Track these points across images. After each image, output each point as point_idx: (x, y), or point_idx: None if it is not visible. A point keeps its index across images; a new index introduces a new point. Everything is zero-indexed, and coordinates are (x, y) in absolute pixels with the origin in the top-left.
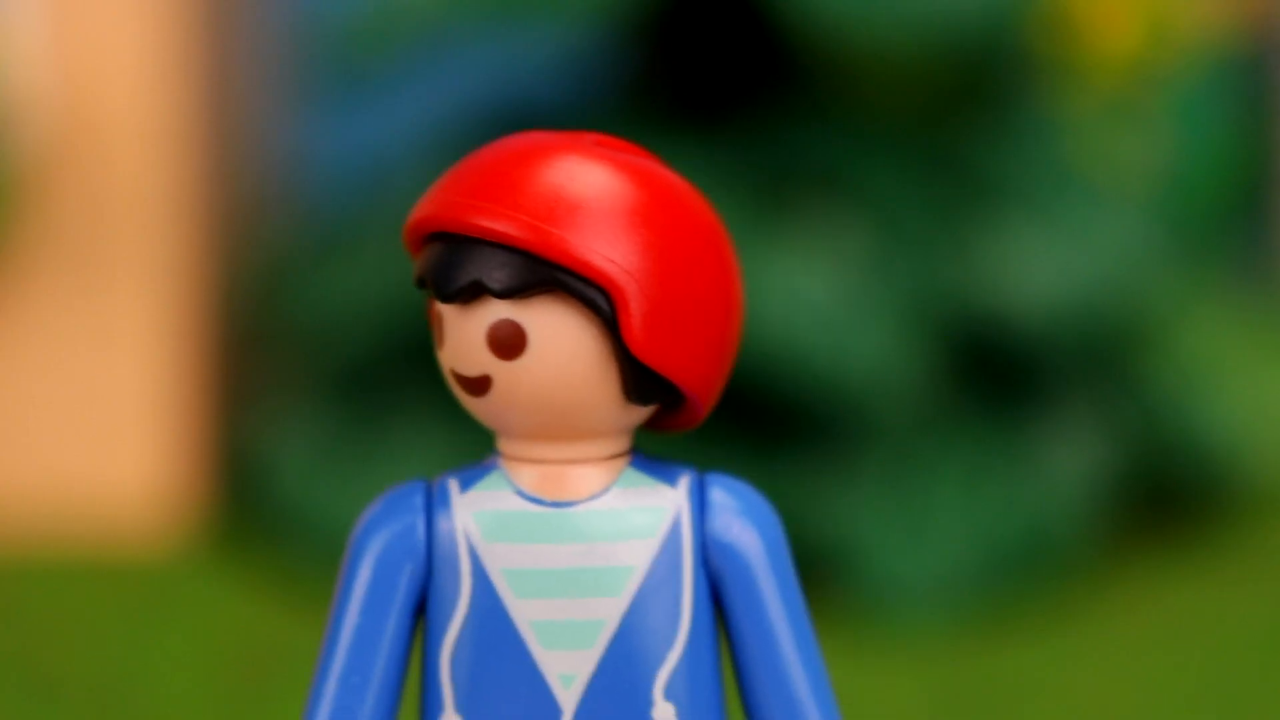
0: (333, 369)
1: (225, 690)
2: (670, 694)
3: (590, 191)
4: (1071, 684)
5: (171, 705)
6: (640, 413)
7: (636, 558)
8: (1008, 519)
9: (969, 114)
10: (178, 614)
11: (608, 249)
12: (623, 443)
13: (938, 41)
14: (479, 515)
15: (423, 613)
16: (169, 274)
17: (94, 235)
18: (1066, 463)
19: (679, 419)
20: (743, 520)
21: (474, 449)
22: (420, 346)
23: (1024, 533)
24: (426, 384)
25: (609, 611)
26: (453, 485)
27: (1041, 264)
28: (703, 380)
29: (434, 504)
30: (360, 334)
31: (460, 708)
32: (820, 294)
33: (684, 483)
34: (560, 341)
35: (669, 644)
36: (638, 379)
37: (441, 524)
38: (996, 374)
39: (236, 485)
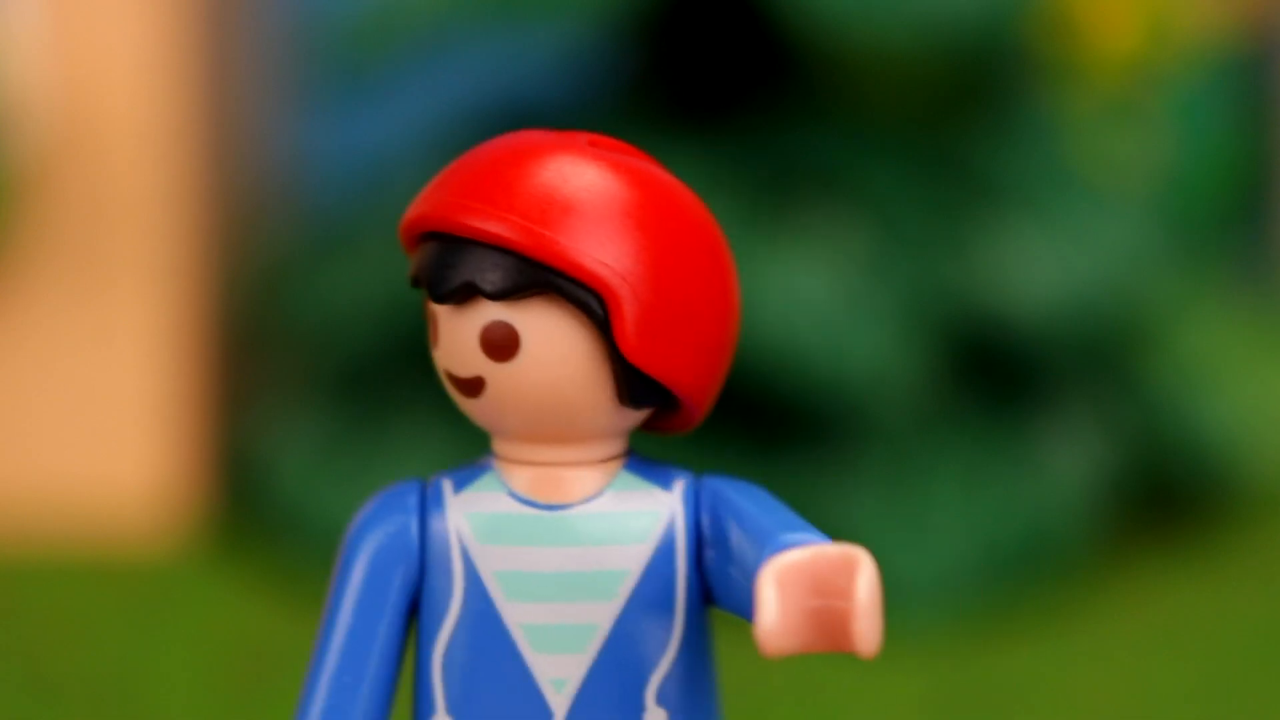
0: (333, 369)
1: (225, 690)
2: (663, 699)
3: (584, 193)
4: (1071, 684)
5: (171, 705)
6: (634, 416)
7: (630, 562)
8: (1008, 519)
9: (969, 114)
10: (178, 614)
11: (601, 251)
12: (617, 446)
13: (938, 41)
14: (472, 516)
15: (416, 613)
16: (169, 274)
17: (94, 235)
18: (1066, 463)
19: (675, 422)
20: (732, 480)
21: (474, 449)
22: (420, 346)
23: (1024, 533)
24: (426, 384)
25: (601, 616)
26: (446, 486)
27: (1041, 264)
28: (697, 384)
29: (428, 504)
30: (360, 334)
31: (452, 710)
32: (820, 294)
33: (679, 486)
34: (553, 344)
35: (662, 649)
36: (631, 382)
37: (435, 524)
38: (996, 374)
39: (236, 485)
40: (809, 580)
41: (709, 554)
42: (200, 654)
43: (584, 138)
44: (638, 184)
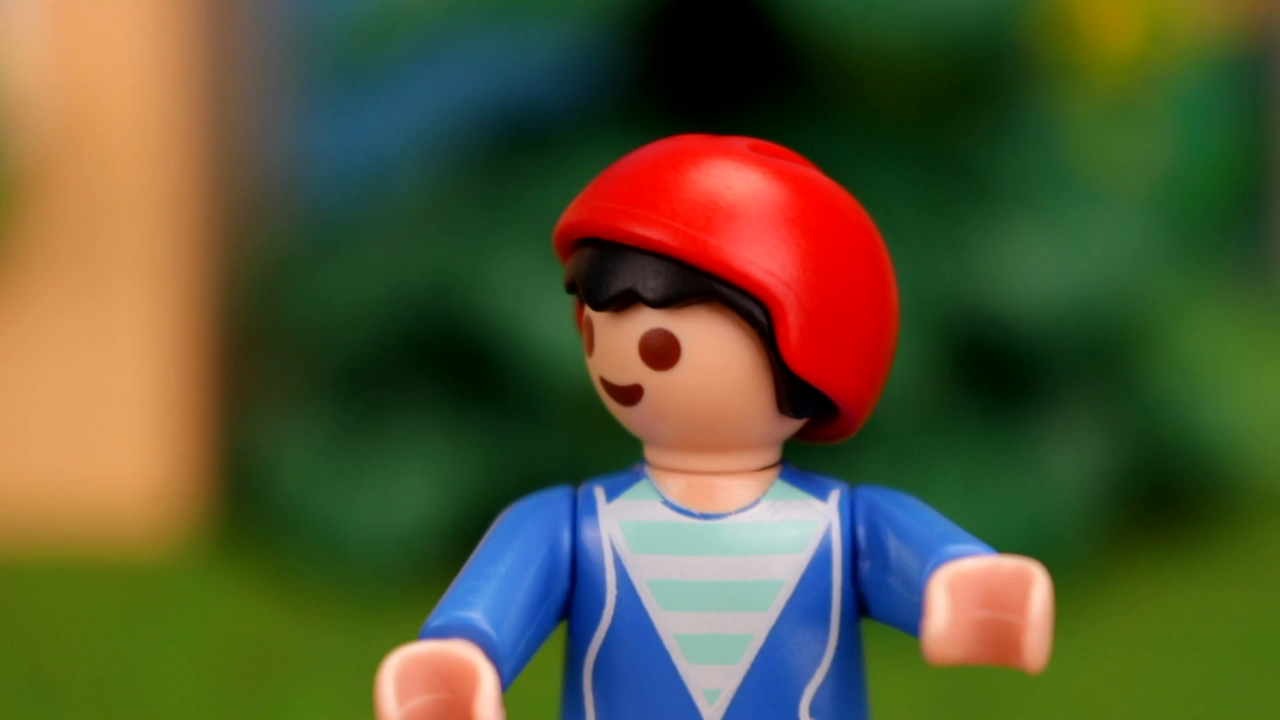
0: (333, 369)
1: (225, 690)
2: (816, 711)
3: (746, 199)
4: (1071, 684)
5: (171, 705)
6: (792, 425)
7: (786, 572)
8: (1008, 519)
9: (969, 114)
10: (178, 613)
11: (766, 259)
12: (773, 454)
13: (938, 41)
14: (626, 525)
15: (567, 619)
16: (169, 274)
17: (94, 235)
18: (1066, 462)
19: (831, 430)
20: (887, 490)
21: (474, 449)
22: (420, 346)
23: (1024, 533)
24: (426, 384)
25: (757, 626)
26: (599, 493)
27: (1041, 264)
28: (858, 393)
29: (579, 512)
30: (360, 334)
31: (602, 719)
32: None
33: (835, 496)
34: (714, 352)
35: (817, 660)
36: (792, 392)
37: (587, 532)
38: (996, 374)
39: (236, 485)
40: (981, 591)
41: (864, 565)
42: (200, 654)
43: (743, 142)
44: (800, 189)
